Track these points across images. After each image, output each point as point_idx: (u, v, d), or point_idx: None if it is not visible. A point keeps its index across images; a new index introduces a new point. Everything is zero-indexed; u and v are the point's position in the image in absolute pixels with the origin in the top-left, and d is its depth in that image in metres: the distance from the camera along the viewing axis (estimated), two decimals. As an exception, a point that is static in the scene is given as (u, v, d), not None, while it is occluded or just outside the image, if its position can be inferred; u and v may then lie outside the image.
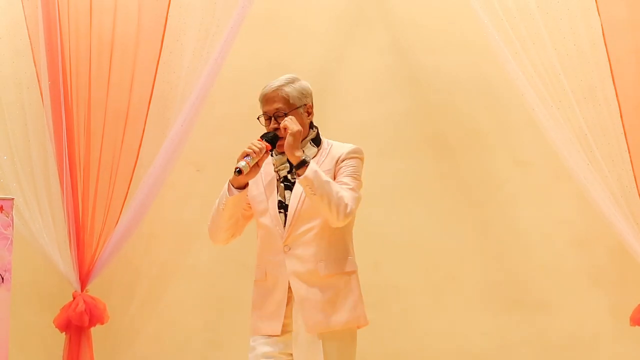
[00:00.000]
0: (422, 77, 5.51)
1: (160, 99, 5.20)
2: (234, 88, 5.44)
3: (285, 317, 3.61)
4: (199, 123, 5.21)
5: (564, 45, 4.93)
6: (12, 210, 4.68)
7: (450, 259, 5.40)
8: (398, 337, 5.37)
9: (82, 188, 5.13)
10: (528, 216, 5.36)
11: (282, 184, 3.68)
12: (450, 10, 5.42)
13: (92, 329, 5.14)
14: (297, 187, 3.63)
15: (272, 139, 3.63)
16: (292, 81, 3.70)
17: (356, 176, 3.66)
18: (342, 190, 3.56)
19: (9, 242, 4.64)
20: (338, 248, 3.65)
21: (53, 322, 5.12)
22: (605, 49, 4.85)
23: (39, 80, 5.14)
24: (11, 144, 5.18)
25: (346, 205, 3.53)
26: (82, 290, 5.13)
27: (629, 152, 4.82)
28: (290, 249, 3.61)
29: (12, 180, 5.13)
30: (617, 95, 4.84)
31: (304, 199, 3.61)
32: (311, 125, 3.74)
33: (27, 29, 5.17)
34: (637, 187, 4.80)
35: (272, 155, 3.70)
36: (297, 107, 3.67)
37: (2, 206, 4.63)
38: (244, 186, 3.61)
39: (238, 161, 3.54)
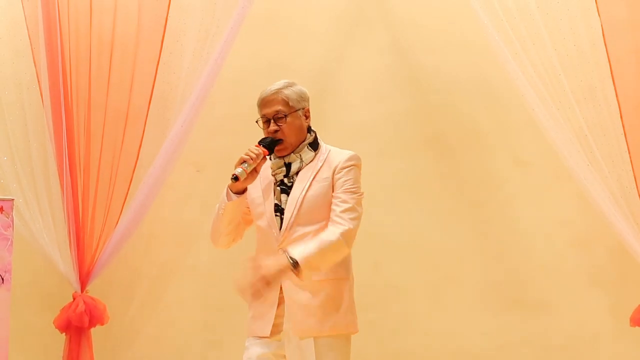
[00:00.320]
0: (422, 77, 5.51)
1: (160, 100, 5.20)
2: (234, 88, 5.44)
3: (276, 317, 3.63)
4: (199, 123, 5.21)
5: (564, 45, 4.93)
6: (12, 211, 4.68)
7: (450, 259, 5.40)
8: (398, 337, 5.37)
9: (82, 188, 5.13)
10: (528, 216, 5.37)
11: (278, 188, 3.70)
12: (450, 10, 5.42)
13: (92, 330, 5.14)
14: (295, 191, 3.66)
15: (270, 144, 3.67)
16: (290, 85, 3.74)
17: (355, 189, 3.68)
18: (331, 229, 3.57)
19: (9, 242, 4.64)
20: None
21: (53, 323, 5.12)
22: (605, 49, 4.84)
23: (39, 81, 5.14)
24: (11, 144, 5.18)
25: (339, 241, 3.56)
26: (82, 291, 5.13)
27: (629, 152, 4.81)
28: (284, 251, 3.62)
29: (12, 181, 5.13)
30: (617, 95, 4.84)
31: (301, 203, 3.64)
32: (309, 130, 3.76)
33: (27, 29, 5.17)
34: (637, 187, 4.80)
35: (269, 159, 3.73)
36: (296, 110, 3.70)
37: (2, 207, 4.63)
38: (243, 191, 3.64)
39: (235, 167, 3.58)
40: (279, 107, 3.68)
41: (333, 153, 3.74)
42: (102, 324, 5.16)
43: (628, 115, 4.83)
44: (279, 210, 3.67)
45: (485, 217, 5.41)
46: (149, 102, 5.17)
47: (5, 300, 4.62)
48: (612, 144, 4.86)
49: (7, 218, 4.64)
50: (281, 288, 3.62)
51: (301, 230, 3.63)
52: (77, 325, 5.06)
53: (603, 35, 4.85)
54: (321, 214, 3.64)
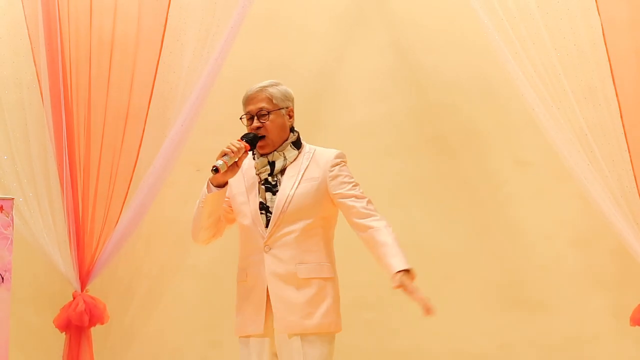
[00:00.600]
0: (422, 77, 5.51)
1: (160, 99, 5.20)
2: (234, 88, 5.42)
3: (265, 316, 3.67)
4: (199, 123, 5.21)
5: (564, 45, 4.92)
6: (12, 210, 4.67)
7: (450, 258, 5.39)
8: (398, 337, 5.37)
9: (82, 188, 5.13)
10: (528, 216, 5.36)
11: (262, 186, 3.74)
12: (450, 10, 5.42)
13: (92, 329, 5.14)
14: (283, 189, 3.70)
15: (252, 140, 3.71)
16: (276, 84, 3.80)
17: (355, 183, 3.75)
18: (375, 224, 3.70)
19: (9, 242, 4.63)
20: (318, 253, 3.71)
21: (53, 322, 5.12)
22: (605, 49, 4.84)
23: (39, 80, 5.14)
24: (11, 144, 5.18)
25: (389, 226, 3.75)
26: (82, 290, 5.13)
27: (629, 152, 4.81)
28: (270, 249, 3.67)
29: (13, 180, 5.13)
30: (617, 95, 4.83)
31: (290, 201, 3.68)
32: (292, 129, 3.81)
33: (27, 29, 5.17)
34: (637, 187, 4.80)
35: (254, 159, 3.78)
36: (280, 109, 3.76)
37: (2, 206, 4.62)
38: (223, 184, 3.69)
39: (217, 159, 3.62)
40: (263, 105, 3.74)
41: (319, 152, 3.80)
42: (102, 324, 5.16)
43: (628, 115, 4.82)
44: (263, 208, 3.71)
45: (485, 217, 5.41)
46: (149, 102, 5.17)
47: (5, 299, 4.61)
48: (612, 144, 4.85)
49: (7, 217, 4.63)
50: (267, 287, 3.66)
51: (287, 227, 3.68)
52: (77, 324, 5.06)
53: (603, 35, 4.84)
54: (308, 212, 3.69)
